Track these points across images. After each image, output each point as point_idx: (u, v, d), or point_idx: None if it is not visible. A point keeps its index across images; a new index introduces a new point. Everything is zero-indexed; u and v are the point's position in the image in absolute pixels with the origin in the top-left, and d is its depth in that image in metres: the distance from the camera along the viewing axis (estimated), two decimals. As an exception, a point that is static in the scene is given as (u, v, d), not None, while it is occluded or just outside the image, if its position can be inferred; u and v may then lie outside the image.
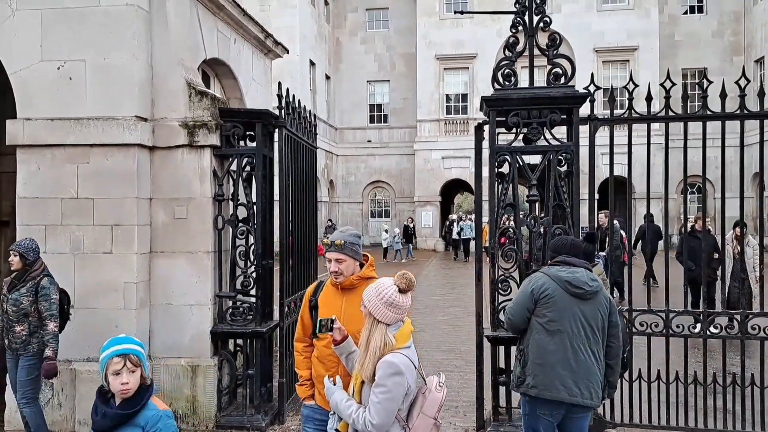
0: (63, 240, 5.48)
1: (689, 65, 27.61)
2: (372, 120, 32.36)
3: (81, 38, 5.48)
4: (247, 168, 5.69)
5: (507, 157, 5.41)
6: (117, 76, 5.47)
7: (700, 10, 28.96)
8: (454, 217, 28.70)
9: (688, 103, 5.49)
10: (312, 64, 28.26)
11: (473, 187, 5.88)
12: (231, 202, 5.78)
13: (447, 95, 29.94)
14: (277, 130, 5.81)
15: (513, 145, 5.51)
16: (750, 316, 5.29)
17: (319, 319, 2.98)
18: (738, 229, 8.17)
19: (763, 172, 5.29)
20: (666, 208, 5.66)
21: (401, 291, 2.71)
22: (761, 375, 5.18)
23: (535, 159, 5.58)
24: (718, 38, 28.52)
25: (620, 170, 5.24)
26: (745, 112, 5.30)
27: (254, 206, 5.68)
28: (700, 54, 27.63)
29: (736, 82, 5.25)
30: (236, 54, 7.70)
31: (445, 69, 29.71)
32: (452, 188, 32.76)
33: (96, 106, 5.47)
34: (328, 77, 30.92)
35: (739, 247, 8.12)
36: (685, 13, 29.10)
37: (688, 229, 9.36)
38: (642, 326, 5.31)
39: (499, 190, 5.46)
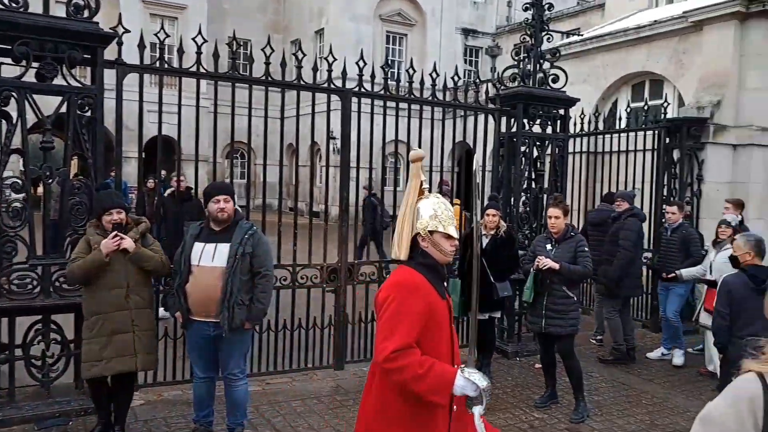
0: None
1: (236, 35, 29.11)
2: None
3: None
4: None
5: (13, 93, 4.49)
6: None
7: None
8: None
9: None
10: None
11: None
12: None
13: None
14: None
15: (26, 80, 4.58)
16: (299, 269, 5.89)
17: None
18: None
19: (297, 141, 5.83)
20: (214, 171, 5.82)
21: None
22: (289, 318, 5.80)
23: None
24: (261, 14, 30.96)
25: (170, 130, 5.10)
26: (270, 79, 5.72)
27: None
28: (246, 26, 29.42)
29: (262, 50, 5.60)
30: None
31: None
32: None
33: None
34: None
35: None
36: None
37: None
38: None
39: (5, 133, 4.53)
